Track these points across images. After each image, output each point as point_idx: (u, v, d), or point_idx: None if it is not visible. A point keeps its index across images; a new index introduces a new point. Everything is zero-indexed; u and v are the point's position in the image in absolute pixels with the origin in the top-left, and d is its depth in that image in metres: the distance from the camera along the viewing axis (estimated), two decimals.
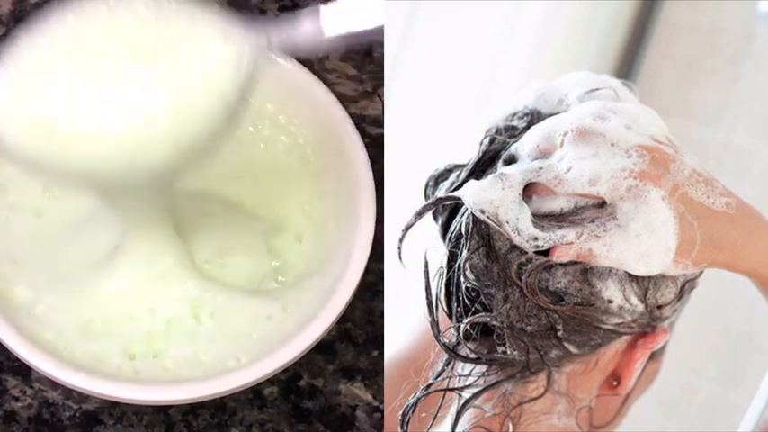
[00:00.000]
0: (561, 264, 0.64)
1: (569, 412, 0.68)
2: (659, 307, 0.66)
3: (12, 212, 0.83)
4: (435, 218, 0.69)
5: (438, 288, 0.67)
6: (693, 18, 1.27)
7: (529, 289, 0.64)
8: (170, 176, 0.76)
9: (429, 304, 0.67)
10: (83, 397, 0.83)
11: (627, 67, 1.33)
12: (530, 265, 0.64)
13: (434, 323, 0.67)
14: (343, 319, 0.83)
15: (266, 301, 0.81)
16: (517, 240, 0.63)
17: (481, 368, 0.67)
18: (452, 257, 0.67)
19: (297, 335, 0.78)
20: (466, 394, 0.67)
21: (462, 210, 0.66)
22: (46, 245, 0.82)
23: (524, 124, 0.69)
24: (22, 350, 0.77)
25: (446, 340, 0.67)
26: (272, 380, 0.82)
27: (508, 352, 0.65)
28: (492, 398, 0.67)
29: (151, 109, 0.72)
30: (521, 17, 1.28)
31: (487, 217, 0.63)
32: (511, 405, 0.67)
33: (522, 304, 0.65)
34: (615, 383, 0.69)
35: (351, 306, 0.81)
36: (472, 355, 0.66)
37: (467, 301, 0.66)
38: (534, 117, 0.69)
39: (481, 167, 0.68)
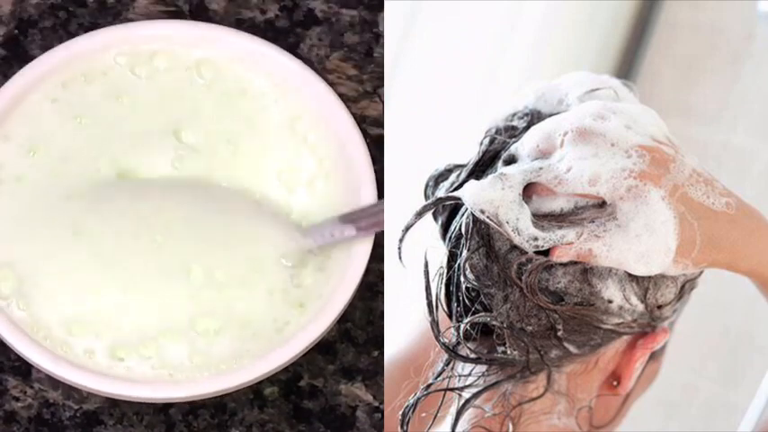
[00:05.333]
0: (561, 264, 0.64)
1: (569, 412, 0.68)
2: (659, 307, 0.66)
3: None
4: (435, 218, 0.69)
5: (438, 288, 0.67)
6: (693, 18, 1.27)
7: (529, 289, 0.64)
8: None
9: (429, 304, 0.67)
10: (83, 397, 0.83)
11: (627, 67, 1.33)
12: (530, 265, 0.64)
13: (434, 323, 0.67)
14: (343, 319, 0.83)
15: (267, 302, 0.81)
16: (517, 240, 0.63)
17: (481, 368, 0.67)
18: (452, 257, 0.67)
19: (297, 335, 0.78)
20: (466, 394, 0.67)
21: (462, 210, 0.66)
22: (30, 227, 0.81)
23: (524, 124, 0.69)
24: (18, 344, 0.77)
25: (446, 340, 0.67)
26: (272, 380, 0.82)
27: (508, 352, 0.65)
28: (492, 398, 0.67)
29: None
30: (521, 17, 1.28)
31: (487, 217, 0.63)
32: (511, 405, 0.67)
33: (522, 304, 0.65)
34: (615, 383, 0.69)
35: (351, 306, 0.81)
36: (472, 355, 0.66)
37: (467, 301, 0.66)
38: (534, 117, 0.69)
39: (481, 167, 0.68)
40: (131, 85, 0.84)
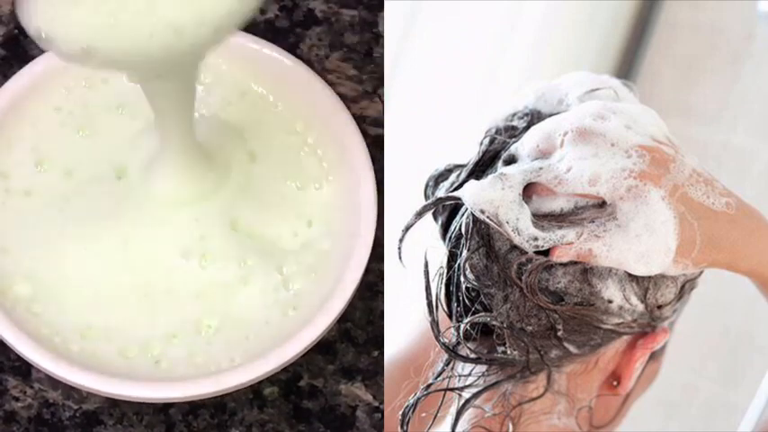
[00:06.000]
0: (561, 264, 0.64)
1: (569, 412, 0.68)
2: (659, 307, 0.66)
3: (5, 197, 0.82)
4: (435, 218, 0.69)
5: (438, 288, 0.67)
6: (693, 18, 1.27)
7: (529, 289, 0.64)
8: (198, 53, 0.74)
9: (429, 304, 0.67)
10: (83, 397, 0.83)
11: (627, 67, 1.33)
12: (530, 265, 0.64)
13: (434, 323, 0.67)
14: (343, 319, 0.83)
15: (267, 303, 0.81)
16: (517, 240, 0.63)
17: (481, 368, 0.67)
18: (452, 257, 0.67)
19: (296, 335, 0.78)
20: (466, 394, 0.67)
21: (462, 210, 0.66)
22: (39, 232, 0.81)
23: (524, 124, 0.69)
24: (19, 344, 0.77)
25: (446, 340, 0.67)
26: (272, 380, 0.82)
27: (508, 352, 0.65)
28: (492, 398, 0.67)
29: None
30: (521, 17, 1.29)
31: (487, 217, 0.64)
32: (511, 405, 0.67)
33: (522, 304, 0.65)
34: (615, 383, 0.69)
35: (351, 306, 0.81)
36: (472, 355, 0.66)
37: (467, 301, 0.66)
38: (534, 117, 0.69)
39: (481, 167, 0.68)
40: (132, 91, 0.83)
